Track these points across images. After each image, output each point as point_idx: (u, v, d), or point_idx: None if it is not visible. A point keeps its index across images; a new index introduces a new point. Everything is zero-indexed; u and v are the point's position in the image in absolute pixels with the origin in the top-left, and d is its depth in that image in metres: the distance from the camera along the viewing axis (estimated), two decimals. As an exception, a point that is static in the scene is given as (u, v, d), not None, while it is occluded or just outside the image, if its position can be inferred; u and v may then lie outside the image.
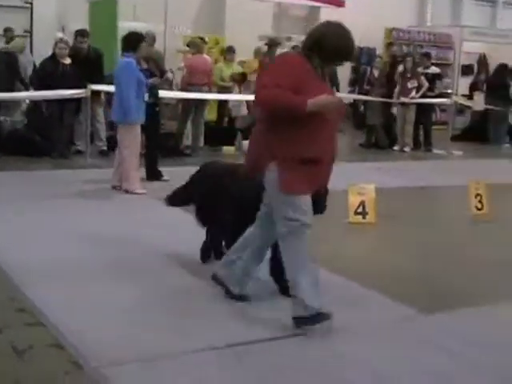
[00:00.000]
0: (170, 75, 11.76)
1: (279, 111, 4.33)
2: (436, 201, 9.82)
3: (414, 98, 14.46)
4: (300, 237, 4.43)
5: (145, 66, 9.47)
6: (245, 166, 4.79)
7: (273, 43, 14.34)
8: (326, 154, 4.48)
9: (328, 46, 4.39)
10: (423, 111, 14.79)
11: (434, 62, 17.09)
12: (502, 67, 16.81)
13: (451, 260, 6.58)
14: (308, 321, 4.50)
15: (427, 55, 16.09)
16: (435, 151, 14.71)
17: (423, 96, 14.57)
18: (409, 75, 14.50)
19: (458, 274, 6.14)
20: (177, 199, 6.14)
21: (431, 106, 15.23)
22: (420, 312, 5.06)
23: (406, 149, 14.63)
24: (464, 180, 8.93)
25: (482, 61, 20.27)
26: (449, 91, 17.10)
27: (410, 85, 14.47)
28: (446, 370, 4.15)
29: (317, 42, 4.43)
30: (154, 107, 9.35)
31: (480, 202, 8.47)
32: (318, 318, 4.50)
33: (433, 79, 15.08)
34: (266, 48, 14.71)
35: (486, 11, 24.15)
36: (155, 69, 10.12)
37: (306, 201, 4.45)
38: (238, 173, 5.25)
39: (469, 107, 17.93)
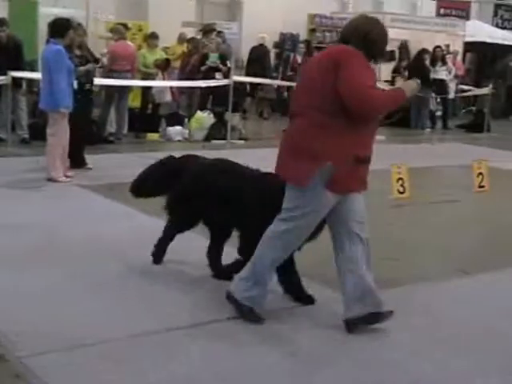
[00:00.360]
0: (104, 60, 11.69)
1: (385, 111, 4.38)
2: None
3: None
4: None
5: (78, 52, 9.37)
6: (281, 168, 4.45)
7: (208, 29, 14.34)
8: (371, 153, 4.46)
9: (376, 48, 4.42)
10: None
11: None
12: (423, 53, 17.18)
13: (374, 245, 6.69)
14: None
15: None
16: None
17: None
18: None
19: (377, 258, 6.25)
20: (147, 188, 5.61)
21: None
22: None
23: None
24: (387, 164, 9.09)
25: (404, 47, 20.62)
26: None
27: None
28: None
29: (364, 40, 4.35)
30: (89, 94, 9.22)
31: (402, 185, 8.66)
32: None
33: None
34: (188, 35, 14.71)
35: (408, -2, 24.63)
36: (89, 55, 10.03)
37: None
38: (264, 175, 4.97)
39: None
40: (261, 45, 17.55)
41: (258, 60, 17.11)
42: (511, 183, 10.44)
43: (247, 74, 16.62)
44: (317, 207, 4.35)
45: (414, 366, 4.10)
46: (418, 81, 4.75)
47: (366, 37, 4.34)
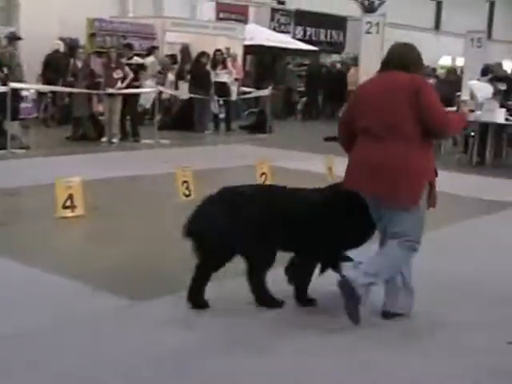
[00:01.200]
0: None
1: (457, 132, 5.50)
2: (147, 190, 9.90)
3: (121, 88, 14.51)
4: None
5: None
6: (390, 191, 4.79)
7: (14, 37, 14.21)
8: None
9: (423, 71, 5.23)
10: (130, 102, 14.92)
11: (138, 52, 17.32)
12: (201, 56, 17.47)
13: (164, 249, 6.71)
14: None
15: (129, 46, 16.25)
16: (143, 141, 14.88)
17: (129, 86, 14.68)
18: (113, 65, 14.52)
19: (173, 262, 6.27)
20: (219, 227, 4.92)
21: (136, 97, 15.40)
22: (136, 300, 5.14)
23: (115, 140, 14.62)
24: (172, 168, 9.14)
25: (185, 51, 20.83)
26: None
27: (115, 75, 14.49)
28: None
29: (420, 65, 5.12)
30: None
31: (187, 188, 8.74)
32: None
33: (137, 70, 15.26)
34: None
35: (187, 3, 24.94)
36: None
37: None
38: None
39: (175, 96, 18.44)
40: (56, 51, 17.11)
41: (52, 66, 16.67)
42: (293, 181, 10.80)
43: (45, 81, 16.25)
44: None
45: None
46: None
47: (419, 62, 5.08)
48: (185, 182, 8.75)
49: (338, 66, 25.44)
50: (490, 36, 34.09)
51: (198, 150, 14.29)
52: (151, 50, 18.56)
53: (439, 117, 4.78)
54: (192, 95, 16.98)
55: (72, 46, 17.70)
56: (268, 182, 9.77)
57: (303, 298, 5.17)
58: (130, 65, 15.13)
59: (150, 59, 18.03)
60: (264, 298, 5.02)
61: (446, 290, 5.70)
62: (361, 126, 4.95)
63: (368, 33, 16.20)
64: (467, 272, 6.21)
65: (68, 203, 7.65)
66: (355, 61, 18.72)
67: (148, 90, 15.66)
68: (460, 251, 7.01)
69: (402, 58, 4.96)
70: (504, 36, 38.01)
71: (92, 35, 19.06)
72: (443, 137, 5.88)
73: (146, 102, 17.28)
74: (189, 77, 17.98)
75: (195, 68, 17.64)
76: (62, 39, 18.35)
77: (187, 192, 8.74)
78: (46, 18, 17.83)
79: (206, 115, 17.41)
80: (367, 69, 16.23)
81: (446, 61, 34.11)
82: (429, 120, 4.74)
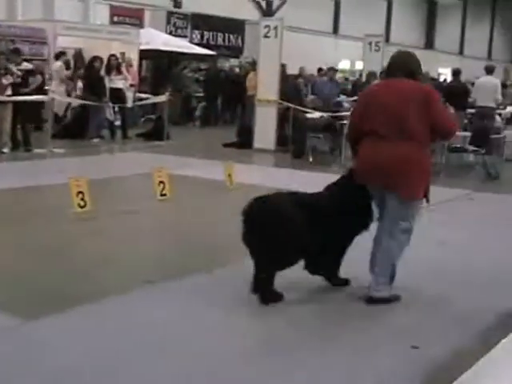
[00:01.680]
0: None
1: None
2: (39, 202, 9.77)
3: (10, 95, 14.21)
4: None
5: None
6: (408, 187, 5.60)
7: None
8: None
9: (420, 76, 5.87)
10: (20, 109, 14.63)
11: (28, 57, 17.01)
12: (94, 61, 17.37)
13: (56, 261, 6.65)
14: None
15: (16, 51, 15.95)
16: (36, 150, 14.60)
17: (18, 93, 14.37)
18: (2, 72, 14.21)
19: (65, 274, 6.23)
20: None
21: (27, 103, 15.11)
22: (25, 319, 5.06)
23: (5, 150, 14.29)
24: (66, 178, 9.03)
25: (79, 56, 20.61)
26: (47, 87, 17.05)
27: (5, 81, 14.18)
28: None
29: (420, 72, 5.86)
30: None
31: (82, 199, 8.66)
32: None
33: (26, 76, 14.98)
34: None
35: (79, 6, 24.69)
36: None
37: None
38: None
39: (69, 103, 18.23)
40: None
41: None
42: (192, 189, 10.95)
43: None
44: None
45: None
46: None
47: (420, 69, 5.85)
48: (79, 192, 8.67)
49: (237, 70, 25.68)
50: (388, 39, 35.18)
51: (94, 158, 14.16)
52: (59, 55, 18.51)
53: (447, 122, 5.67)
54: (85, 102, 16.81)
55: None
56: (166, 191, 9.81)
57: (337, 282, 6.09)
58: (19, 70, 14.84)
59: (57, 64, 17.85)
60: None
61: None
62: (370, 128, 5.64)
63: (266, 37, 16.38)
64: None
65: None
66: (254, 65, 18.89)
67: (41, 98, 15.36)
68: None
69: (408, 66, 5.72)
70: (401, 39, 39.24)
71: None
72: (449, 138, 7.82)
73: (58, 109, 17.23)
74: (80, 83, 17.86)
75: (88, 73, 17.53)
76: None
77: (82, 203, 8.65)
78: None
79: (97, 122, 17.21)
80: (266, 73, 16.48)
81: (345, 64, 34.92)
82: (439, 125, 5.57)
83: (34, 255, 6.85)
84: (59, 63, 18.12)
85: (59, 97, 17.09)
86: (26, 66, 15.52)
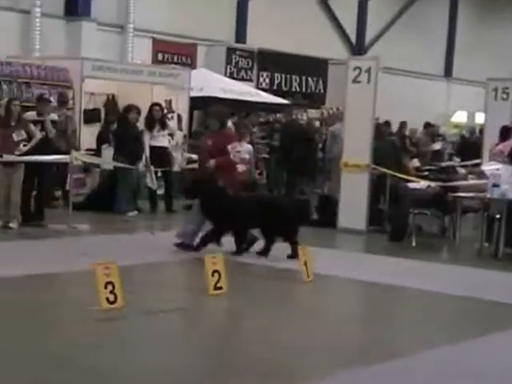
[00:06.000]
0: None
1: None
2: (55, 295, 9.82)
3: (21, 154, 14.40)
4: None
5: None
6: None
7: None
8: None
9: None
10: (38, 172, 14.91)
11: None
12: (129, 111, 17.60)
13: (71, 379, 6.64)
14: None
15: (42, 99, 16.41)
16: (52, 226, 14.74)
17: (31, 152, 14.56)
18: (13, 123, 14.45)
19: None
20: None
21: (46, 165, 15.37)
22: None
23: (13, 225, 14.43)
24: (91, 263, 9.03)
25: (111, 104, 20.89)
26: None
27: (16, 137, 14.38)
28: None
29: None
30: None
31: (112, 292, 8.65)
32: None
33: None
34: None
35: (112, 40, 25.08)
36: None
37: None
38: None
39: (98, 166, 18.46)
40: None
41: None
42: (255, 281, 10.94)
43: None
44: None
45: None
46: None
47: None
48: (109, 283, 8.69)
49: (317, 124, 25.55)
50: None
51: (127, 238, 14.23)
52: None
53: None
54: (116, 164, 17.04)
55: None
56: (222, 283, 9.77)
57: None
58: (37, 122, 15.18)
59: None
60: None
61: None
62: None
63: (356, 81, 16.45)
64: None
65: None
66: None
67: (58, 157, 15.59)
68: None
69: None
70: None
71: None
72: None
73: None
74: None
75: (121, 127, 17.79)
76: None
77: (112, 297, 8.64)
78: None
79: (128, 191, 17.40)
80: (354, 129, 16.42)
81: (460, 116, 34.75)
82: None
83: (41, 369, 6.85)
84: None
85: (84, 157, 17.28)
86: (52, 117, 15.93)
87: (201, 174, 13.42)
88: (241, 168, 14.59)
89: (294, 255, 11.68)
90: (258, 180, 21.27)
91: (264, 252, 12.26)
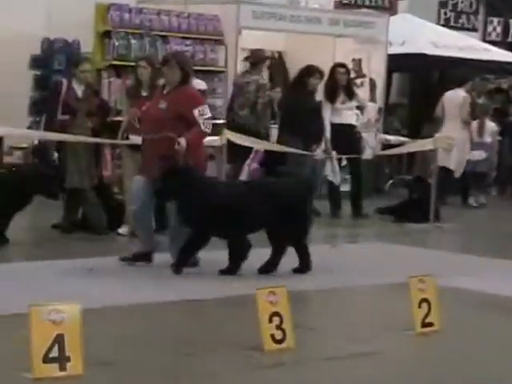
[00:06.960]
0: None
1: None
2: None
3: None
4: None
5: None
6: None
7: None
8: None
9: None
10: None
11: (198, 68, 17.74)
12: (307, 74, 17.71)
13: None
14: None
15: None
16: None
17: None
18: (145, 94, 14.72)
19: None
20: None
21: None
22: None
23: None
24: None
25: (278, 65, 21.12)
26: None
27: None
28: None
29: None
30: None
31: (279, 327, 8.75)
32: None
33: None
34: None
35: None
36: None
37: None
38: None
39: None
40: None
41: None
42: (478, 314, 10.87)
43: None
44: None
45: None
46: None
47: None
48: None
49: None
50: None
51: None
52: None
53: None
54: (284, 147, 17.22)
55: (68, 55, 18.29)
56: (433, 318, 9.73)
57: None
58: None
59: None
60: None
61: None
62: None
63: None
64: None
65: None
66: None
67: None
68: None
69: None
70: None
71: (104, 35, 19.41)
72: None
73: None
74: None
75: (292, 96, 18.02)
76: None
77: (279, 334, 8.74)
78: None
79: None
80: None
81: None
82: None
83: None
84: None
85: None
86: (197, 83, 16.15)
87: (170, 162, 12.25)
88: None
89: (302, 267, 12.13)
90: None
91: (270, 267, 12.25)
